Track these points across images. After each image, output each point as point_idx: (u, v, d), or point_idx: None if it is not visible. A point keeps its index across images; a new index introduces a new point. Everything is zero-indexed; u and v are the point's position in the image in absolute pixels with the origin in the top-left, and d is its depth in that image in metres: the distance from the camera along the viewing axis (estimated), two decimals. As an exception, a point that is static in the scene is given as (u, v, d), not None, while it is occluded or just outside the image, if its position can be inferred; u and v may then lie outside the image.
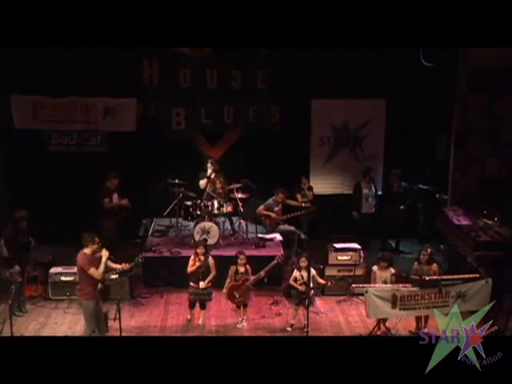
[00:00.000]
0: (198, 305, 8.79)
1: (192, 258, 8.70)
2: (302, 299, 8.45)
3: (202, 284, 8.59)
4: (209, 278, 8.61)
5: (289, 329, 8.69)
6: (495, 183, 10.74)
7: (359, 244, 10.06)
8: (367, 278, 9.42)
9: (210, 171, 10.91)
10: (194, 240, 10.21)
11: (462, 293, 8.13)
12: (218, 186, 10.80)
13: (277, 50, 10.55)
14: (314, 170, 11.99)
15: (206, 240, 9.88)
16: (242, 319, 8.83)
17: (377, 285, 8.39)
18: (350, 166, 12.03)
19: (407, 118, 11.33)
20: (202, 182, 10.96)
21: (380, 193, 11.80)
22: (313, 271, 8.67)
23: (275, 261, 8.84)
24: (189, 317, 8.87)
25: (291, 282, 8.66)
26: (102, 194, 10.37)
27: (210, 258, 8.73)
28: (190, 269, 8.66)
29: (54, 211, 11.16)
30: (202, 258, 8.60)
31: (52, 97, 11.31)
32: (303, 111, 11.70)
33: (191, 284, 8.71)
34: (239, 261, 8.73)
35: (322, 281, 8.86)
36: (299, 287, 8.55)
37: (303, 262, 8.59)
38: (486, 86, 10.59)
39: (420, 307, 8.16)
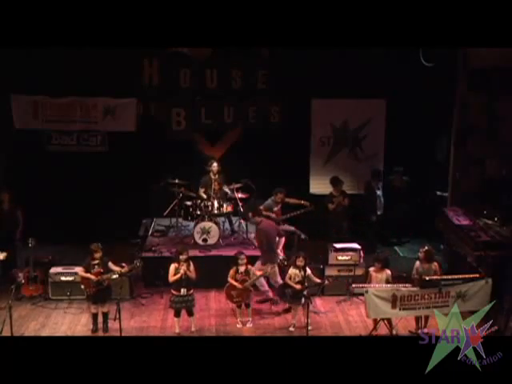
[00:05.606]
0: (185, 313, 8.59)
1: (174, 266, 8.45)
2: (297, 298, 8.44)
3: (183, 291, 8.40)
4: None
5: (292, 329, 8.66)
6: (495, 183, 10.72)
7: (359, 244, 10.06)
8: (367, 278, 9.42)
9: (215, 171, 10.75)
10: (194, 240, 10.21)
11: (462, 293, 8.13)
12: (217, 187, 10.75)
13: (277, 49, 10.55)
14: (314, 170, 11.96)
15: (201, 245, 9.81)
16: (248, 320, 8.80)
17: (377, 285, 8.39)
18: (350, 166, 11.99)
19: (407, 117, 11.30)
20: (201, 190, 10.84)
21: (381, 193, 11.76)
22: (308, 271, 8.65)
23: (279, 261, 8.84)
24: (177, 330, 8.55)
25: (286, 280, 8.65)
26: None
27: (191, 263, 8.52)
28: (172, 278, 8.43)
29: (53, 211, 11.16)
30: (185, 264, 8.41)
31: (52, 97, 11.29)
32: (303, 111, 11.67)
33: (173, 292, 8.48)
34: (240, 261, 8.70)
35: (317, 280, 8.84)
36: (294, 285, 8.54)
37: (300, 262, 8.58)
38: (485, 86, 10.57)
39: (420, 307, 8.15)
